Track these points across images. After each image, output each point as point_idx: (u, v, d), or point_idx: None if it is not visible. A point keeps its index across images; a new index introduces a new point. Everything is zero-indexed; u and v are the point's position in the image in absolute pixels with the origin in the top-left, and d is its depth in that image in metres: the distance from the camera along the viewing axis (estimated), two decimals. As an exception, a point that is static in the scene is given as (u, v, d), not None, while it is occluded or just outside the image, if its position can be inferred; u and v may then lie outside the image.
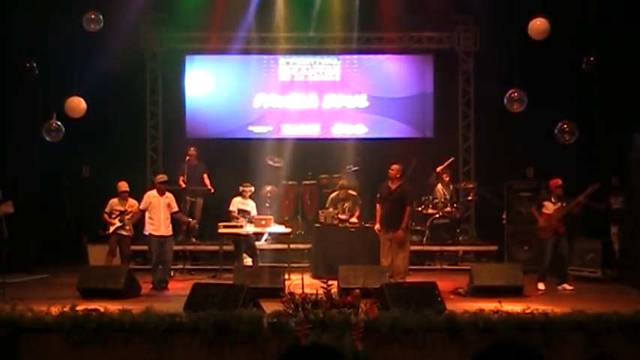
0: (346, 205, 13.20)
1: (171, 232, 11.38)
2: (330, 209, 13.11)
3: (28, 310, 7.80)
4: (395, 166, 11.32)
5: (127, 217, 11.66)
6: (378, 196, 11.46)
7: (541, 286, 11.02)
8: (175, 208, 11.45)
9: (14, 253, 11.40)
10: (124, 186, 11.78)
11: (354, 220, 12.98)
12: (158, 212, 11.20)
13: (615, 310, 7.92)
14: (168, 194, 11.42)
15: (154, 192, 11.37)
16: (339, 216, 12.99)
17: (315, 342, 6.47)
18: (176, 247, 13.44)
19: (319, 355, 2.90)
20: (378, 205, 11.41)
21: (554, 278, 11.31)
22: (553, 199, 11.31)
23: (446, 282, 10.84)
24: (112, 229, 11.65)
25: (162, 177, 11.60)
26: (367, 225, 12.38)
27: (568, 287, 11.14)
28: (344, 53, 15.49)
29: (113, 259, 11.74)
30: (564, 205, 11.22)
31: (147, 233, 11.37)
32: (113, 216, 11.68)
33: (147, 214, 11.26)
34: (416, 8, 14.59)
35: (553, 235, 11.14)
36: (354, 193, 13.47)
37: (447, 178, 14.35)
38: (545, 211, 11.29)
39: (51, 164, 13.30)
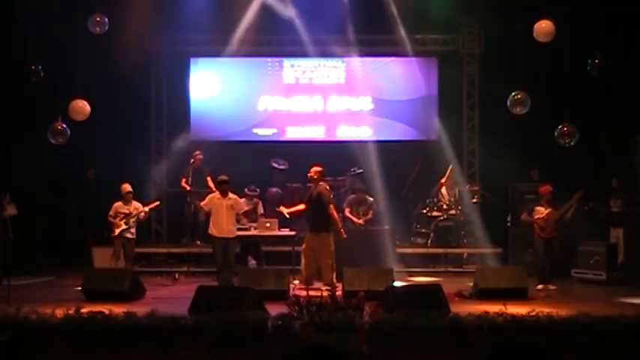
0: (361, 208, 13.14)
1: (235, 234, 11.48)
2: (347, 210, 13.03)
3: (33, 313, 7.81)
4: (313, 169, 11.15)
5: (132, 219, 11.68)
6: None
7: (541, 287, 11.04)
8: (242, 209, 11.62)
9: (19, 255, 11.42)
10: (127, 187, 11.80)
11: (360, 222, 12.96)
12: (221, 214, 11.37)
13: (621, 313, 7.91)
14: (231, 196, 11.57)
15: (217, 194, 11.50)
16: (354, 219, 12.93)
17: (319, 343, 6.46)
18: (180, 250, 13.48)
19: (323, 356, 2.89)
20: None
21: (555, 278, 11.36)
22: (543, 204, 11.35)
23: (450, 284, 10.83)
24: (116, 231, 11.66)
25: (221, 177, 11.69)
26: (371, 227, 12.35)
27: (551, 287, 11.18)
28: (348, 56, 15.46)
29: (118, 262, 11.77)
30: (555, 210, 11.24)
31: (210, 234, 11.52)
32: (118, 219, 11.70)
33: (211, 217, 11.46)
34: (420, 11, 14.58)
35: (548, 237, 11.17)
36: (371, 197, 13.40)
37: (451, 183, 14.35)
38: (537, 215, 11.32)
39: (56, 167, 13.30)
